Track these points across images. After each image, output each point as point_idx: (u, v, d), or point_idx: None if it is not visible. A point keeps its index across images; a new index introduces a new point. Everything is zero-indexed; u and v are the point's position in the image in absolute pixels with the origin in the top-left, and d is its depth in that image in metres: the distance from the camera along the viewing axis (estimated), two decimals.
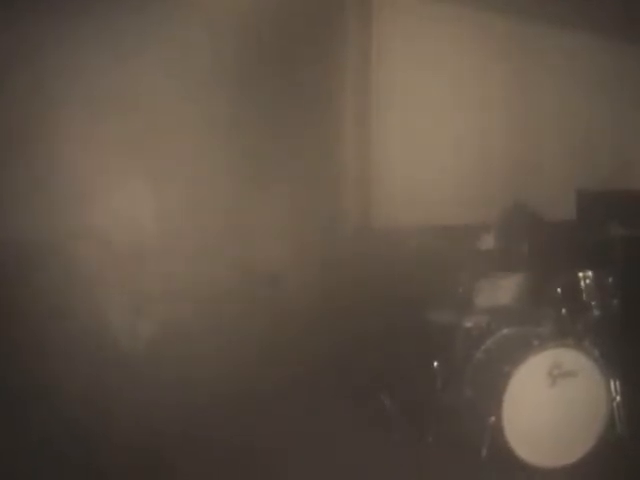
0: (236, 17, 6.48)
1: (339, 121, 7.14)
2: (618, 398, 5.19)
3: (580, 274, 5.30)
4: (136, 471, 4.76)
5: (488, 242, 5.90)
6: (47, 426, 5.03)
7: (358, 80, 7.17)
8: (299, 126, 6.84)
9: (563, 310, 5.23)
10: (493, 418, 4.82)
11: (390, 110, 7.24)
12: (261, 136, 6.62)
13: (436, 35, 7.54)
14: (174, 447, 5.06)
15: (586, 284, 5.29)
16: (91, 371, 5.50)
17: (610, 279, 5.34)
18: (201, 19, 6.33)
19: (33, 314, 5.58)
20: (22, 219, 5.85)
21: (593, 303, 5.25)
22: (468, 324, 5.42)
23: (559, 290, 5.27)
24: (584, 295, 5.26)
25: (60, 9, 5.91)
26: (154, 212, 6.37)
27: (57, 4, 5.89)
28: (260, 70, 6.64)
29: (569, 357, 4.97)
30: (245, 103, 6.57)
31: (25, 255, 5.73)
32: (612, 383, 5.14)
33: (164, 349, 6.00)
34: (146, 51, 6.15)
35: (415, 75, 7.40)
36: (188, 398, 5.56)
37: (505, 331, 5.33)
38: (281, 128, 6.75)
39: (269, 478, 4.90)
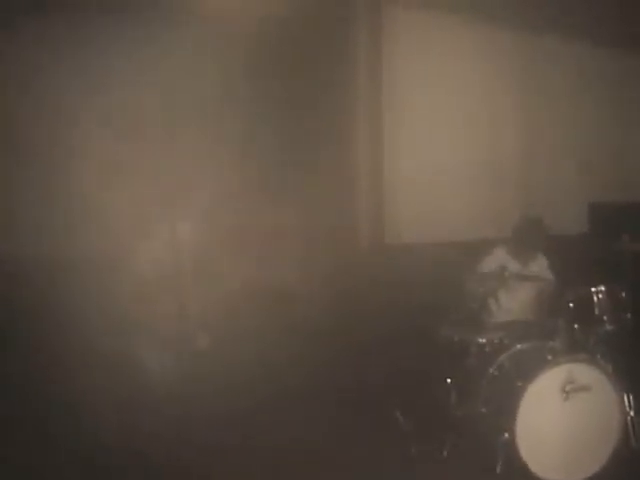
0: (247, 35, 6.54)
1: (351, 138, 7.19)
2: (632, 413, 5.18)
3: (592, 289, 5.29)
4: None
5: (500, 257, 5.91)
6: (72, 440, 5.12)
7: (369, 96, 7.22)
8: (311, 144, 6.89)
9: (576, 325, 5.21)
10: (507, 434, 4.83)
11: (402, 127, 7.29)
12: (273, 154, 6.67)
13: (446, 49, 7.59)
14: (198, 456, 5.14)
15: (598, 298, 5.27)
16: (114, 386, 5.58)
17: (622, 293, 5.33)
18: (212, 38, 6.40)
19: (56, 329, 5.67)
20: (40, 238, 5.94)
21: (605, 317, 5.23)
22: (481, 340, 5.42)
23: (571, 305, 5.25)
24: (596, 309, 5.25)
25: (73, 30, 6.00)
26: (168, 230, 6.42)
27: (72, 25, 5.99)
28: (272, 88, 6.69)
29: (582, 372, 4.96)
30: (257, 122, 6.62)
31: (44, 272, 5.82)
32: (626, 398, 5.13)
33: (181, 362, 6.06)
34: (156, 69, 6.22)
35: (426, 90, 7.44)
36: (200, 410, 5.61)
37: (518, 346, 5.32)
38: (293, 146, 6.80)
39: None
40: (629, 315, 5.29)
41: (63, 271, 5.83)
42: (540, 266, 6.03)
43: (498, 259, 5.88)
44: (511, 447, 4.82)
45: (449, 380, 5.39)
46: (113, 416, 5.39)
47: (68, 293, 5.74)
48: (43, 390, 5.57)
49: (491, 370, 5.26)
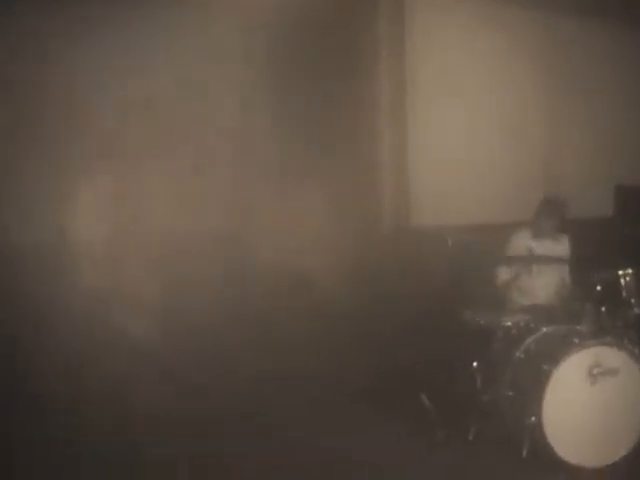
0: (269, 29, 6.54)
1: (375, 123, 7.17)
2: None
3: (620, 272, 5.25)
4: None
5: (525, 240, 5.87)
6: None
7: (393, 83, 7.19)
8: (336, 129, 6.88)
9: (603, 308, 5.17)
10: (533, 417, 4.82)
11: (425, 112, 7.25)
12: (298, 139, 6.67)
13: (470, 35, 7.53)
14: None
15: (626, 281, 5.24)
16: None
17: None
18: (235, 30, 6.39)
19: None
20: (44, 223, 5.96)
21: (633, 301, 5.21)
22: (507, 323, 5.39)
23: (599, 288, 5.20)
24: (624, 293, 5.22)
25: (94, 23, 6.01)
26: (189, 214, 6.45)
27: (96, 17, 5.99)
28: (296, 76, 6.68)
29: (609, 355, 4.94)
30: (282, 109, 6.62)
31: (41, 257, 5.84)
32: None
33: (200, 348, 6.09)
34: (176, 60, 6.22)
35: (449, 77, 7.39)
36: (215, 393, 5.65)
37: (545, 330, 5.29)
38: (318, 131, 6.79)
39: (309, 473, 4.95)
40: None
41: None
42: (564, 248, 5.99)
43: (523, 241, 5.84)
44: (537, 431, 4.82)
45: (475, 364, 5.38)
46: (107, 405, 5.41)
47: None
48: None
49: (517, 354, 5.24)
